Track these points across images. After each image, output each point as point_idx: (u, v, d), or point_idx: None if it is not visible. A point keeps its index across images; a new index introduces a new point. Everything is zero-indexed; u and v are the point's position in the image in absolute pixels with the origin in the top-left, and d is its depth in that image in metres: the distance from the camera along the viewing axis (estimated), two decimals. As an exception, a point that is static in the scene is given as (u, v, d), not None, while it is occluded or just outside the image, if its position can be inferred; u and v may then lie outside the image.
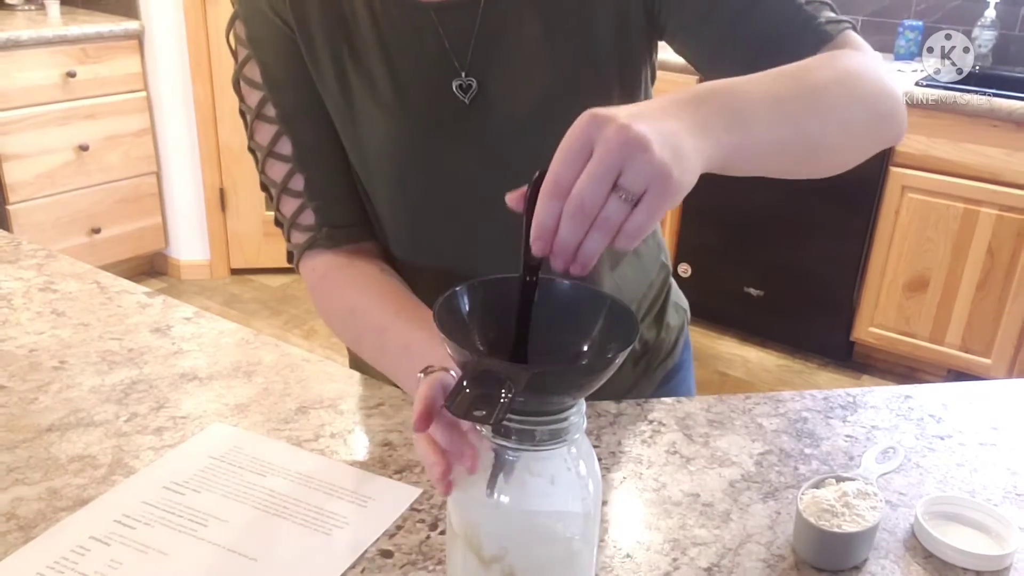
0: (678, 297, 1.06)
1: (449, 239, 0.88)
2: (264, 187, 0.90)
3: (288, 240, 0.90)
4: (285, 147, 0.86)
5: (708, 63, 0.80)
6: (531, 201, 0.53)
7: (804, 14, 0.75)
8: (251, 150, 0.89)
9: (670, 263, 1.04)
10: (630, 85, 0.84)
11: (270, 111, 0.86)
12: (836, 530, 0.69)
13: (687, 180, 0.54)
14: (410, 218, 0.88)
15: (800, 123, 0.66)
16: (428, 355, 0.68)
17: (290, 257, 0.91)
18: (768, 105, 0.63)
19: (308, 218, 0.88)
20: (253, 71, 0.85)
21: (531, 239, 0.53)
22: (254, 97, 0.86)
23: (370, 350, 0.85)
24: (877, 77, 0.73)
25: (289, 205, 0.88)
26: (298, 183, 0.87)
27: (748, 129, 0.60)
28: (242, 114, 0.89)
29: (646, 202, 0.52)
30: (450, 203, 0.86)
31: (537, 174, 0.54)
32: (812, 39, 0.74)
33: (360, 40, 0.82)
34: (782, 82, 0.65)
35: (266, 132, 0.86)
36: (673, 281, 1.05)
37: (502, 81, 0.81)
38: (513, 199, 0.56)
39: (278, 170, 0.87)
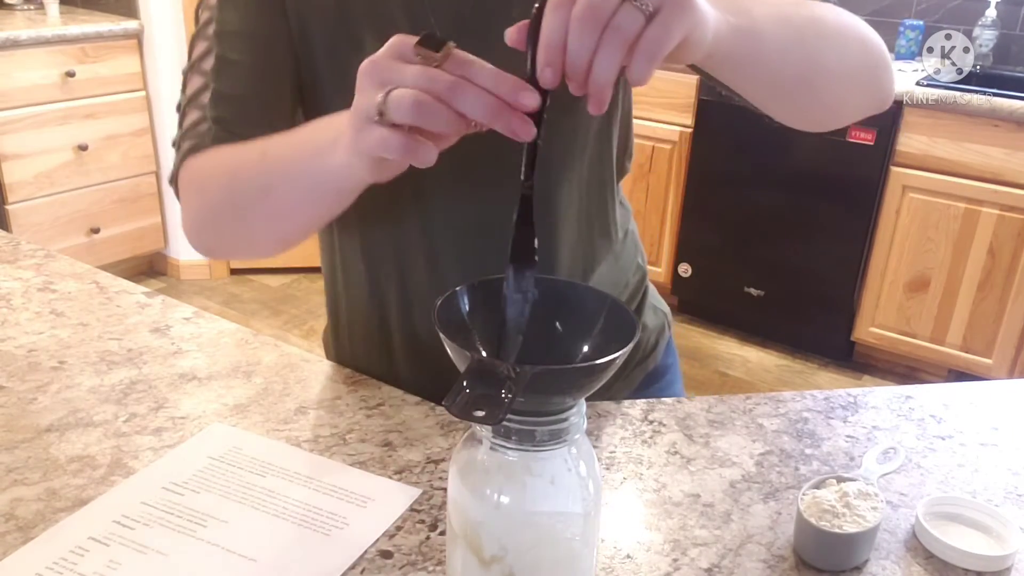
0: (656, 300, 1.06)
1: (437, 222, 0.86)
2: (178, 108, 0.84)
3: (177, 152, 0.83)
4: (209, 64, 0.82)
5: None
6: (533, 33, 0.50)
7: None
8: (178, 108, 0.85)
9: (646, 265, 1.04)
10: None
11: (210, 29, 0.82)
12: (837, 531, 0.69)
13: (702, 11, 0.53)
14: (393, 202, 0.85)
15: (802, 36, 0.69)
16: (323, 124, 0.65)
17: (173, 178, 0.84)
18: (773, 15, 0.66)
19: (204, 126, 0.81)
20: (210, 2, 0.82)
21: (539, 66, 0.50)
22: (204, 16, 0.83)
23: (256, 176, 0.74)
24: (866, 29, 0.76)
25: (191, 117, 0.82)
26: (206, 97, 0.81)
27: (754, 21, 0.63)
28: (192, 40, 0.85)
29: (662, 16, 0.49)
30: (437, 185, 0.83)
31: (537, 5, 0.51)
32: None
33: (354, 21, 0.81)
34: (785, 5, 0.69)
35: (199, 48, 0.83)
36: (651, 285, 1.05)
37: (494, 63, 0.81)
38: (513, 34, 0.52)
39: (194, 85, 0.82)
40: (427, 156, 0.54)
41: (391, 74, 0.53)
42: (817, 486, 0.74)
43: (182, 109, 0.84)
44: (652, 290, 1.05)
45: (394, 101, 0.53)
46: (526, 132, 0.51)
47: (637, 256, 1.01)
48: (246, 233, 0.81)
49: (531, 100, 0.51)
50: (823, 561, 0.70)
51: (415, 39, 0.53)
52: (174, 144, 0.84)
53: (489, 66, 0.52)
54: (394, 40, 0.55)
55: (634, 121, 0.96)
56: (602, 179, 0.91)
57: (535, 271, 0.56)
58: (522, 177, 0.54)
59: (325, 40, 0.82)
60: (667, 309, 1.08)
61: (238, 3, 0.81)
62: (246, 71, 0.81)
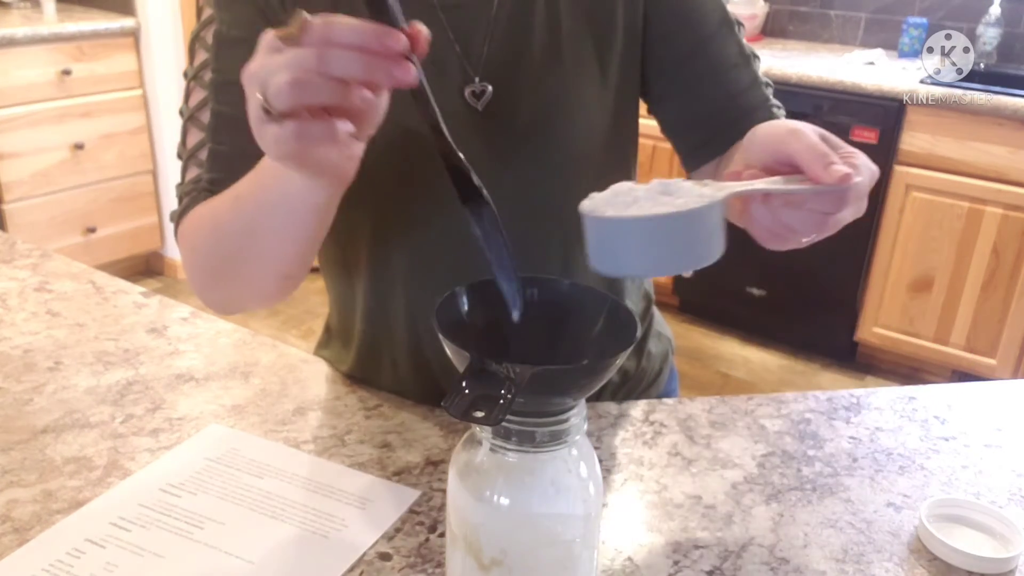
0: (661, 326, 1.05)
1: (445, 250, 0.83)
2: (180, 156, 0.84)
3: (179, 205, 0.83)
4: (206, 115, 0.80)
5: (668, 105, 0.89)
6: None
7: (761, 93, 0.86)
8: (181, 113, 0.84)
9: (653, 293, 1.04)
10: (628, 96, 0.87)
11: (207, 76, 0.80)
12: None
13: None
14: (404, 232, 0.83)
15: None
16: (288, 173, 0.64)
17: (175, 227, 0.84)
18: None
19: (201, 184, 0.81)
20: (210, 33, 0.81)
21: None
22: (200, 58, 0.81)
23: (236, 220, 0.73)
24: None
25: (191, 172, 0.82)
26: (204, 153, 0.81)
27: None
28: (184, 76, 0.84)
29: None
30: (447, 210, 0.82)
31: None
32: (763, 117, 0.83)
33: None
34: None
35: (197, 97, 0.82)
36: (656, 311, 1.05)
37: (514, 85, 0.79)
38: None
39: (194, 138, 0.82)
40: (328, 131, 0.53)
41: (264, 69, 0.53)
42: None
43: (184, 161, 0.83)
44: (658, 317, 1.05)
45: (272, 91, 0.52)
46: (405, 74, 0.50)
47: (644, 283, 1.00)
48: (246, 279, 0.78)
49: (397, 43, 0.50)
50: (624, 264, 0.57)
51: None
52: (179, 197, 0.84)
53: (349, 21, 0.51)
54: (262, 40, 0.54)
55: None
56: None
57: (490, 207, 0.55)
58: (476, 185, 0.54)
59: None
60: (671, 335, 1.07)
61: (236, 53, 0.76)
62: (243, 125, 0.80)
